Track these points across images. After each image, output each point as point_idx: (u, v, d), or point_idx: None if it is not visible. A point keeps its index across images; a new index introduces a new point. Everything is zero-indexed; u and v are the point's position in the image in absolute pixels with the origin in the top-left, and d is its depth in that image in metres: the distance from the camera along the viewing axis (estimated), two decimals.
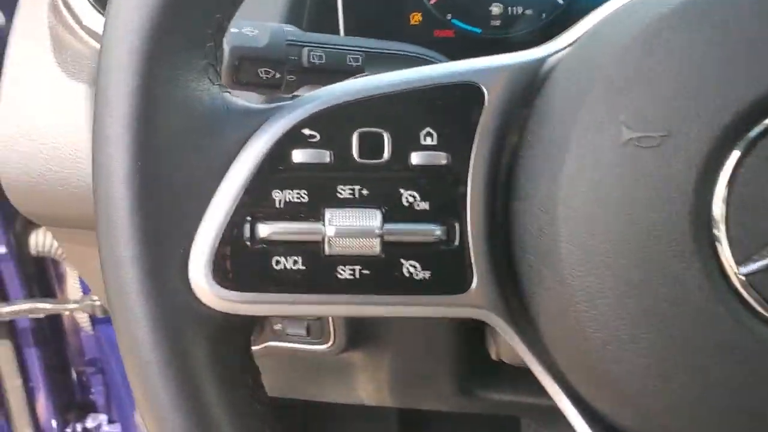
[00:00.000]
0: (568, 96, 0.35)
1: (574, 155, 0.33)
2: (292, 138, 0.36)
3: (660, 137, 0.32)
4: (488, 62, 0.38)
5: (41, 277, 1.23)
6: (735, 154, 0.31)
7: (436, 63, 0.53)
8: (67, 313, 1.22)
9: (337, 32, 0.66)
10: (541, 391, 0.39)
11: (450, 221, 0.37)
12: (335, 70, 0.50)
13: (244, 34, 0.48)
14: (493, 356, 0.72)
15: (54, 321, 1.29)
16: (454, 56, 0.62)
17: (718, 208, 0.31)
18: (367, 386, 0.85)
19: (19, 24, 0.65)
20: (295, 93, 0.51)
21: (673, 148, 0.31)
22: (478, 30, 0.66)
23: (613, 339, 0.33)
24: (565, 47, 0.39)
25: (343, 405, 0.88)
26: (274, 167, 0.36)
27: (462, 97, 0.37)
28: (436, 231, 0.36)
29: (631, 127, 0.32)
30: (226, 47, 0.48)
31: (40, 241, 1.16)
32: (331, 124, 0.36)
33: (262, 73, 0.48)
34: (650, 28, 0.33)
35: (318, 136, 0.36)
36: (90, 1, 0.63)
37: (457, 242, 0.36)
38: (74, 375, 1.37)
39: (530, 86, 0.38)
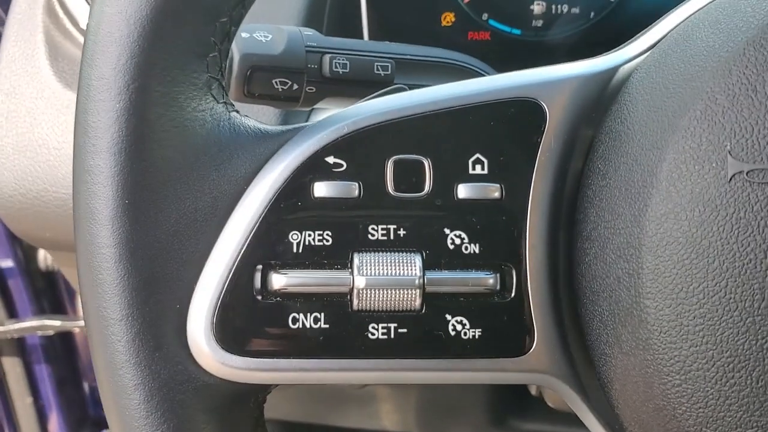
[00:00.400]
0: (653, 116, 0.28)
1: (663, 191, 0.27)
2: (314, 167, 0.30)
3: None
4: (548, 73, 0.32)
5: (51, 292, 1.18)
6: None
7: (477, 71, 0.47)
8: (77, 330, 1.17)
9: (360, 36, 0.60)
10: (578, 422, 0.33)
11: (505, 268, 0.30)
12: (361, 81, 0.44)
13: (256, 40, 0.42)
14: (533, 392, 0.66)
15: (65, 335, 1.24)
16: (490, 62, 0.56)
17: None
18: (392, 416, 0.80)
19: (13, 28, 0.59)
20: (316, 107, 0.45)
21: None
22: (518, 31, 0.60)
23: (713, 422, 0.26)
24: (641, 54, 0.32)
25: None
26: (292, 203, 0.29)
27: (518, 117, 0.31)
28: (489, 280, 0.30)
29: (740, 157, 0.26)
30: (236, 55, 0.42)
31: (50, 255, 1.11)
32: (360, 150, 0.30)
33: (277, 84, 0.42)
34: (762, 32, 0.26)
35: (345, 165, 0.30)
36: (88, 1, 0.57)
37: (513, 293, 0.30)
38: (87, 390, 1.33)
39: (599, 102, 0.32)
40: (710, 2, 0.31)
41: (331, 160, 0.30)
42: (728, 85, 0.26)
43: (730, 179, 0.26)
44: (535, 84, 0.31)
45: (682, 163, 0.26)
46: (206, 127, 0.29)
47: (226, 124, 0.29)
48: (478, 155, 0.30)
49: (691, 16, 0.31)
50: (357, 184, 0.30)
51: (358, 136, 0.30)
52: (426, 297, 0.29)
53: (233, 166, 0.29)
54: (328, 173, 0.30)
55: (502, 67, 0.59)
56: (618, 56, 0.32)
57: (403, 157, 0.30)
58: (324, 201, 0.30)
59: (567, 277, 0.31)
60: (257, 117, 0.33)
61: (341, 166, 0.30)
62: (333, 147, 0.30)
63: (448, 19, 0.60)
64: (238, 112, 0.31)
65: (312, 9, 0.54)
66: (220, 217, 0.29)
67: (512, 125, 0.31)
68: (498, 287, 0.30)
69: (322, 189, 0.30)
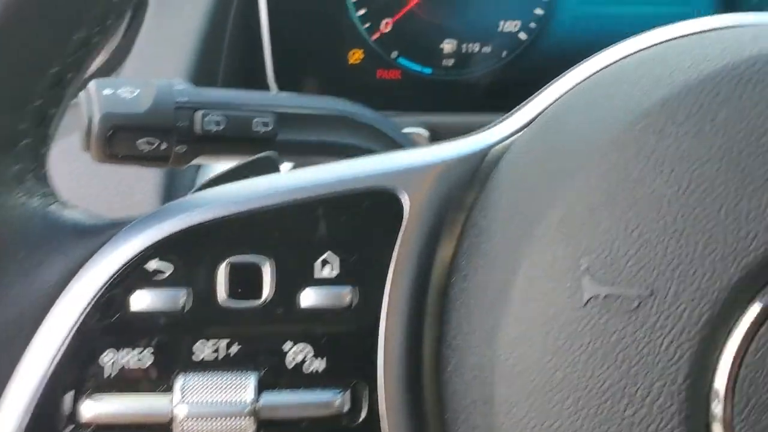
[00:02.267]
0: (513, 217, 0.25)
1: (516, 311, 0.24)
2: (134, 273, 0.26)
3: (638, 298, 0.22)
4: (409, 159, 0.28)
5: None
6: (746, 321, 0.22)
7: (363, 125, 0.43)
8: None
9: (263, 72, 0.56)
10: None
11: (355, 386, 0.27)
12: (238, 138, 0.40)
13: (119, 97, 0.38)
14: None
15: None
16: (398, 102, 0.52)
17: (718, 404, 0.22)
18: None
19: None
20: (193, 163, 0.42)
21: (657, 315, 0.22)
22: (429, 70, 0.56)
23: None
24: (514, 134, 0.29)
25: None
26: (106, 317, 0.26)
27: (374, 209, 0.27)
28: (336, 401, 0.26)
29: (597, 278, 0.22)
30: (96, 114, 0.38)
31: None
32: (191, 251, 0.26)
33: (142, 144, 0.38)
34: (629, 130, 0.23)
35: (171, 269, 0.26)
36: None
37: (363, 414, 0.27)
38: None
39: (469, 186, 0.28)
40: (586, 84, 0.28)
41: (154, 264, 0.26)
42: (587, 194, 0.23)
43: (586, 303, 0.22)
44: (393, 172, 0.28)
45: (535, 279, 0.23)
46: (13, 228, 0.25)
47: (39, 221, 0.26)
48: (327, 255, 0.27)
49: (566, 98, 0.28)
50: (184, 292, 0.26)
51: (189, 234, 0.27)
52: (261, 424, 0.26)
53: (43, 272, 0.26)
54: (149, 280, 0.26)
55: (414, 107, 0.56)
56: (489, 136, 0.29)
57: (239, 259, 0.27)
58: (144, 314, 0.26)
59: (433, 388, 0.28)
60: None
61: (167, 270, 0.26)
62: (159, 248, 0.26)
63: (356, 56, 0.56)
64: (60, 202, 0.27)
65: (204, 59, 0.50)
66: (27, 333, 0.25)
67: (367, 219, 0.27)
68: (346, 408, 0.27)
69: (142, 300, 0.26)
